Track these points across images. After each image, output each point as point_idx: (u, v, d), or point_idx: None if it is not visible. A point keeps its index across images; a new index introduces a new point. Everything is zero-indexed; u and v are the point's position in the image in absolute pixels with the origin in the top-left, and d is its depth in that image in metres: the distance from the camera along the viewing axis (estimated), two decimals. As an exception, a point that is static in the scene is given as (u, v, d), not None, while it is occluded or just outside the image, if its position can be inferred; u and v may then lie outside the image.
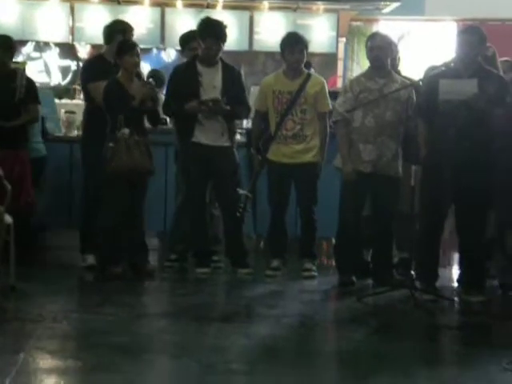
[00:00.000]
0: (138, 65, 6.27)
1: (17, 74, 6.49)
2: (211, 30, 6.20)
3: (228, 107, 6.16)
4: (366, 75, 6.04)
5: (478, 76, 5.51)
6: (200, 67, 6.26)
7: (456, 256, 6.52)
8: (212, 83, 6.24)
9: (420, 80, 5.94)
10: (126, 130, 6.02)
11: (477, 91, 5.41)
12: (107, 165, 6.01)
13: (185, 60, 6.71)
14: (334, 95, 6.37)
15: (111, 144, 6.01)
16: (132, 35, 6.50)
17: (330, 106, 6.26)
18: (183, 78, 6.27)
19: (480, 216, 5.62)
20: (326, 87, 6.43)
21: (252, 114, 6.61)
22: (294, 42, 6.25)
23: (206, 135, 6.24)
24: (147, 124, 6.32)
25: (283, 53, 6.31)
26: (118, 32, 6.46)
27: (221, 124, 6.24)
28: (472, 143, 5.48)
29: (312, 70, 6.73)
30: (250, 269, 6.34)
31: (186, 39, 6.73)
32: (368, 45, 6.00)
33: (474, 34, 5.61)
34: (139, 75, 6.36)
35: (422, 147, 5.71)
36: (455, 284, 6.06)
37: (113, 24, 6.64)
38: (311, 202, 6.34)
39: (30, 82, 6.58)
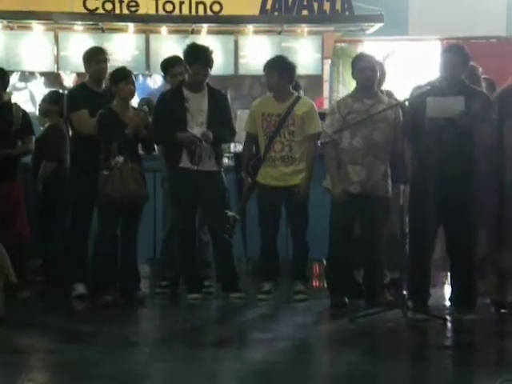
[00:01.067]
0: (133, 93, 6.30)
1: (12, 106, 6.52)
2: (198, 56, 6.25)
3: (212, 135, 6.19)
4: (354, 96, 6.09)
5: (463, 94, 5.57)
6: (186, 92, 6.31)
7: (447, 275, 6.54)
8: (200, 108, 6.27)
9: (406, 99, 6.00)
10: (121, 158, 6.05)
11: (463, 109, 5.46)
12: (101, 192, 6.02)
13: (168, 86, 6.76)
14: (320, 116, 6.42)
15: (105, 172, 6.03)
16: (107, 60, 6.50)
17: (320, 128, 6.30)
18: (170, 104, 6.30)
19: (469, 234, 5.65)
20: (315, 109, 6.48)
21: (237, 138, 6.65)
22: (268, 66, 6.34)
23: None
24: (141, 151, 6.35)
25: (265, 76, 6.38)
26: (91, 60, 6.48)
27: (208, 148, 6.27)
28: (459, 161, 5.52)
29: (301, 92, 6.78)
30: (242, 293, 6.34)
31: (168, 65, 6.78)
32: (359, 66, 6.02)
33: (458, 53, 5.68)
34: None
35: (408, 167, 5.75)
36: (447, 303, 6.07)
37: (87, 52, 6.65)
38: (302, 225, 6.36)
39: (25, 113, 6.60)
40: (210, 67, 6.29)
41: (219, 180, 6.35)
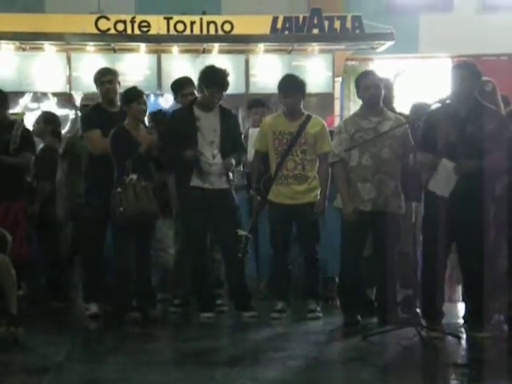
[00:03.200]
0: (144, 112, 6.36)
1: (14, 124, 6.59)
2: (216, 79, 6.30)
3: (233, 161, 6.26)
4: (360, 115, 6.11)
5: (475, 112, 5.57)
6: (198, 112, 6.35)
7: (460, 292, 6.53)
8: (211, 127, 6.31)
9: (414, 118, 6.00)
10: (134, 176, 6.10)
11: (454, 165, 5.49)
12: (115, 210, 6.07)
13: (179, 105, 6.81)
14: (332, 135, 6.44)
15: (119, 189, 6.09)
16: (113, 80, 6.55)
17: (330, 147, 6.32)
18: (181, 123, 6.34)
19: (481, 252, 5.63)
20: (327, 128, 6.51)
21: (248, 157, 6.69)
22: (286, 86, 6.35)
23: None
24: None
25: (279, 96, 6.40)
26: (97, 81, 6.54)
27: (219, 167, 6.30)
28: (471, 179, 5.51)
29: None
30: (254, 311, 6.34)
31: (178, 86, 6.83)
32: (362, 84, 6.07)
33: (468, 70, 5.68)
34: (143, 122, 6.45)
35: (426, 178, 5.71)
36: (461, 321, 6.06)
37: (94, 74, 6.71)
38: (314, 242, 6.38)
39: (26, 131, 6.67)
40: (226, 90, 6.34)
41: (230, 198, 6.38)
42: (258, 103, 7.33)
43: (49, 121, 7.30)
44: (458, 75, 5.67)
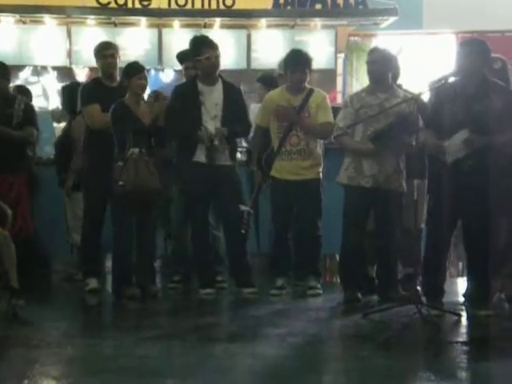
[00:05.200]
0: (145, 87, 6.33)
1: (15, 99, 6.56)
2: (206, 42, 6.30)
3: (227, 131, 6.20)
4: (367, 90, 6.08)
5: (483, 89, 5.51)
6: (201, 86, 6.31)
7: (462, 269, 6.53)
8: (214, 101, 6.28)
9: (420, 93, 5.96)
10: (136, 150, 6.08)
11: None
12: (115, 183, 6.05)
13: (183, 79, 6.78)
14: (333, 110, 6.41)
15: (120, 163, 6.06)
16: (114, 54, 6.52)
17: (332, 119, 6.29)
18: (184, 98, 6.31)
19: (486, 230, 5.60)
20: (328, 100, 6.47)
21: (252, 131, 6.66)
22: (295, 61, 6.30)
23: None
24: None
25: (286, 71, 6.35)
26: (98, 55, 6.50)
27: (222, 143, 6.28)
28: (476, 155, 5.47)
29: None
30: (255, 288, 6.34)
31: (185, 57, 6.78)
32: (370, 59, 6.03)
33: (475, 46, 5.61)
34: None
35: (437, 157, 5.66)
36: (462, 298, 6.05)
37: (95, 47, 6.66)
38: (316, 219, 6.36)
39: (28, 106, 6.64)
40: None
41: (233, 174, 6.36)
42: (275, 81, 7.28)
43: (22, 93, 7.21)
44: (463, 52, 5.61)
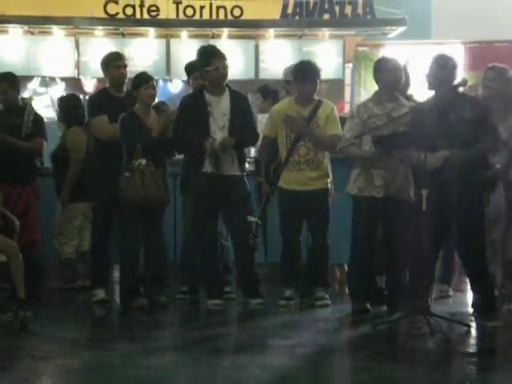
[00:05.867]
0: (154, 97, 6.36)
1: (25, 110, 6.60)
2: (215, 52, 6.34)
3: (233, 141, 6.22)
4: (374, 100, 6.07)
5: (458, 100, 5.57)
6: (208, 96, 6.33)
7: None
8: (222, 111, 6.30)
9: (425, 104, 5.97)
10: (143, 161, 6.10)
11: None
12: (122, 194, 6.07)
13: (191, 90, 6.80)
14: (341, 120, 6.42)
15: (127, 174, 6.09)
16: (125, 65, 6.55)
17: (340, 131, 6.30)
18: (192, 109, 6.33)
19: (480, 240, 5.61)
20: (336, 111, 6.48)
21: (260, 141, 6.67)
22: (305, 73, 6.30)
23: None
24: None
25: (295, 82, 6.36)
26: (110, 65, 6.53)
27: (230, 153, 6.29)
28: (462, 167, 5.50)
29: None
30: (263, 299, 6.34)
31: (192, 67, 6.80)
32: (385, 67, 5.97)
33: (449, 60, 5.70)
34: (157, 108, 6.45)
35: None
36: (470, 309, 6.04)
37: (105, 58, 6.69)
38: (325, 229, 6.36)
39: (37, 117, 6.69)
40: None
41: (242, 185, 6.37)
42: (274, 93, 7.32)
43: None
44: (441, 64, 5.66)
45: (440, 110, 5.57)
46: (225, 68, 6.32)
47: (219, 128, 6.30)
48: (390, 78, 5.97)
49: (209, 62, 6.29)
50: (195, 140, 6.23)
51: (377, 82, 6.09)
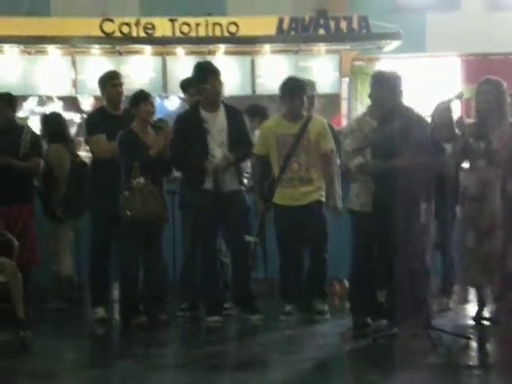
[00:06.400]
0: (153, 113, 6.39)
1: (23, 129, 6.62)
2: (213, 70, 6.33)
3: (233, 157, 6.25)
4: (370, 114, 6.09)
5: (393, 114, 5.72)
6: (204, 113, 6.34)
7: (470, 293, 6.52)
8: (219, 127, 6.31)
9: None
10: (142, 179, 6.12)
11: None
12: (122, 214, 6.08)
13: (187, 107, 6.82)
14: (340, 134, 6.44)
15: (126, 193, 6.10)
16: (122, 83, 6.59)
17: (333, 146, 6.32)
18: (188, 126, 6.33)
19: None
20: (327, 127, 6.50)
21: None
22: (292, 89, 6.33)
23: None
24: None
25: (283, 98, 6.39)
26: (107, 84, 6.56)
27: (230, 169, 6.30)
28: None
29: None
30: (261, 315, 6.33)
31: (189, 83, 6.81)
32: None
33: (377, 81, 5.89)
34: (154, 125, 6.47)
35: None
36: (471, 322, 6.04)
37: (102, 76, 6.72)
38: (323, 242, 6.36)
39: (35, 136, 6.69)
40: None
41: (242, 199, 6.35)
42: (261, 111, 7.34)
43: None
44: (382, 80, 5.86)
45: (379, 124, 5.79)
46: (221, 85, 6.34)
47: (218, 145, 6.30)
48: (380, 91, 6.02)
49: (205, 79, 6.32)
50: (195, 159, 6.24)
51: (369, 97, 6.13)
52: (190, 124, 6.35)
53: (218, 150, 6.28)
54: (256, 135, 6.74)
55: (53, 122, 7.25)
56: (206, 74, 6.33)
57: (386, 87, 5.82)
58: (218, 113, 6.38)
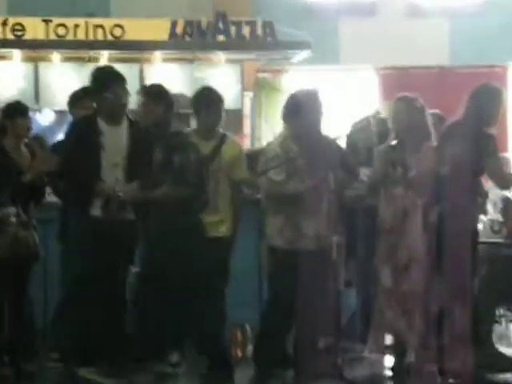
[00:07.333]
0: (29, 129, 6.28)
1: None
2: (119, 75, 6.22)
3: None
4: (287, 136, 6.13)
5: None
6: (102, 124, 6.09)
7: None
8: (117, 144, 6.07)
9: (339, 137, 6.14)
10: (12, 210, 5.96)
11: None
12: None
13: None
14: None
15: None
16: None
17: (247, 174, 6.34)
18: (81, 139, 6.08)
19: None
20: (243, 152, 6.51)
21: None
22: (209, 102, 6.32)
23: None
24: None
25: (198, 112, 6.33)
26: None
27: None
28: None
29: None
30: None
31: (77, 97, 6.70)
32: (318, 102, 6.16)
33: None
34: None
35: None
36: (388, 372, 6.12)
37: None
38: (223, 286, 6.30)
39: None
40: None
41: (134, 231, 6.20)
42: None
43: None
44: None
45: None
46: (126, 94, 6.16)
47: (112, 165, 6.04)
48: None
49: (107, 86, 6.13)
50: (81, 179, 6.03)
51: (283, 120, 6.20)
52: (82, 137, 6.08)
53: (110, 173, 6.03)
54: None
55: None
56: (108, 81, 6.16)
57: (308, 114, 5.95)
58: (121, 127, 6.15)
